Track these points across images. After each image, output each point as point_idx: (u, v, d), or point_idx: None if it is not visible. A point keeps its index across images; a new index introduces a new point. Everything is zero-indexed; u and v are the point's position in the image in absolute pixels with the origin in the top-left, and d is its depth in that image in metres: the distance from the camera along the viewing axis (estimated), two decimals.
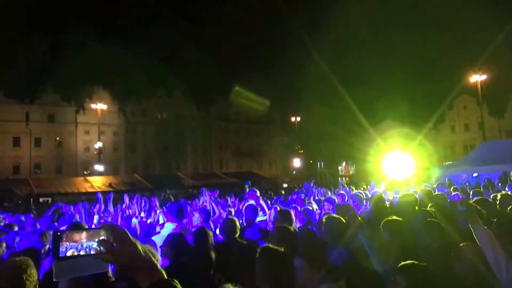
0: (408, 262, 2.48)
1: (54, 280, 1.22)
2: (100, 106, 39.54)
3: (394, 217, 3.81)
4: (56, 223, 6.75)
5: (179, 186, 28.73)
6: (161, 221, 5.95)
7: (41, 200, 22.30)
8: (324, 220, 3.63)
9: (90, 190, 26.25)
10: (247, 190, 9.87)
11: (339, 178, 43.32)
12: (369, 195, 8.31)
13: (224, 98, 58.21)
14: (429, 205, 4.91)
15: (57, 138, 49.49)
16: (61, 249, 1.21)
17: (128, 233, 1.26)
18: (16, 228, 5.98)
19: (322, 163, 63.72)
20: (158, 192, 18.10)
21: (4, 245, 4.45)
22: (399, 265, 2.50)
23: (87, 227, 3.63)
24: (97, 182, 29.85)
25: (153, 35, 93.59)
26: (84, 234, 1.25)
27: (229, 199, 9.45)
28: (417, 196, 5.50)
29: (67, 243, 1.22)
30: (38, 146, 48.13)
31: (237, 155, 60.52)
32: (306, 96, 61.34)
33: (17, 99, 47.06)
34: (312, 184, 11.15)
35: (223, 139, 60.05)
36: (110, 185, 28.00)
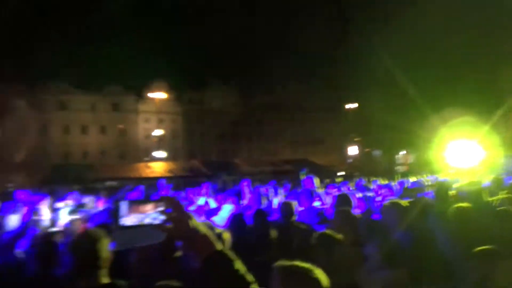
0: (485, 247, 2.34)
1: (116, 248, 1.30)
2: (159, 96, 41.17)
3: (462, 204, 3.62)
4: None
5: (235, 172, 29.22)
6: (212, 206, 6.10)
7: (107, 183, 23.69)
8: (388, 204, 3.52)
9: (151, 175, 27.47)
10: (303, 177, 9.82)
11: (397, 167, 41.83)
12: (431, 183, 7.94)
13: (280, 86, 58.17)
14: (499, 194, 4.61)
15: (120, 126, 52.33)
16: (123, 219, 1.27)
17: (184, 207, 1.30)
18: (88, 207, 6.47)
19: (380, 152, 61.84)
20: (215, 179, 18.56)
21: (79, 222, 4.84)
22: (476, 250, 2.36)
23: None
24: (158, 168, 31.16)
25: (209, 25, 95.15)
26: (146, 206, 1.31)
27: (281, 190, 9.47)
28: (484, 185, 5.18)
29: (131, 214, 1.28)
30: (103, 133, 51.28)
31: (291, 143, 60.44)
32: (364, 82, 59.56)
33: (84, 90, 50.27)
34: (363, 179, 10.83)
35: (278, 126, 60.15)
36: (170, 171, 29.10)
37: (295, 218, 3.92)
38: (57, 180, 20.98)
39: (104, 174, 27.08)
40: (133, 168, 31.69)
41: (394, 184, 7.64)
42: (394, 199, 4.04)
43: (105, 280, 2.14)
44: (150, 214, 1.30)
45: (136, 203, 1.31)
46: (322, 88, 55.88)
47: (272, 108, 59.83)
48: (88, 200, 7.93)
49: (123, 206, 1.28)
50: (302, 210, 4.83)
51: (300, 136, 61.09)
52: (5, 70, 45.62)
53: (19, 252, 4.04)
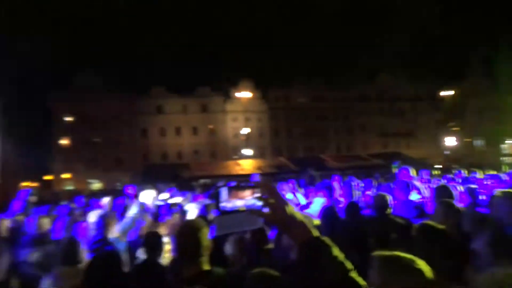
0: None
1: (215, 234, 1.36)
2: (245, 95, 42.30)
3: None
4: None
5: (323, 168, 28.89)
6: (303, 202, 6.09)
7: (201, 181, 25.08)
8: (499, 194, 3.19)
9: (241, 172, 28.43)
10: (394, 170, 9.36)
11: (504, 158, 37.73)
12: None
13: (366, 77, 56.15)
14: None
15: (210, 126, 54.88)
16: (223, 204, 1.33)
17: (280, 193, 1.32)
18: (184, 203, 6.91)
19: (482, 141, 56.40)
20: (303, 174, 18.54)
21: (177, 215, 5.23)
22: None
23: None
24: (246, 165, 32.12)
25: (293, 23, 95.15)
26: (244, 192, 1.35)
27: (374, 181, 9.13)
28: None
29: (230, 199, 1.34)
30: (195, 134, 54.29)
31: (381, 136, 57.91)
32: (460, 67, 54.73)
33: (176, 93, 53.71)
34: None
35: (366, 119, 58.05)
36: (258, 168, 29.80)
37: (390, 211, 3.75)
38: (157, 178, 22.77)
39: (198, 172, 28.79)
40: (224, 166, 33.17)
41: (503, 175, 6.89)
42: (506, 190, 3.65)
43: (206, 267, 2.26)
44: (249, 199, 1.34)
45: (235, 189, 1.36)
46: (413, 75, 52.56)
47: (359, 101, 57.95)
48: (185, 196, 8.50)
49: (224, 191, 1.34)
50: (397, 203, 4.60)
51: (390, 128, 58.26)
52: (110, 78, 50.62)
53: (129, 241, 4.46)
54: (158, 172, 27.98)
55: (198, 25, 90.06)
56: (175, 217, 5.16)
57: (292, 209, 1.29)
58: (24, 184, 41.72)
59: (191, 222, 2.29)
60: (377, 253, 1.60)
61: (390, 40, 53.00)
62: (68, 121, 50.39)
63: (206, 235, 2.24)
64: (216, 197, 1.34)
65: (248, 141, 41.93)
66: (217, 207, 1.34)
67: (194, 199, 7.47)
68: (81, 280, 2.95)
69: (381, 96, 57.74)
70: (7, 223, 4.82)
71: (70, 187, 43.72)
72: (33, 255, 3.89)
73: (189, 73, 75.44)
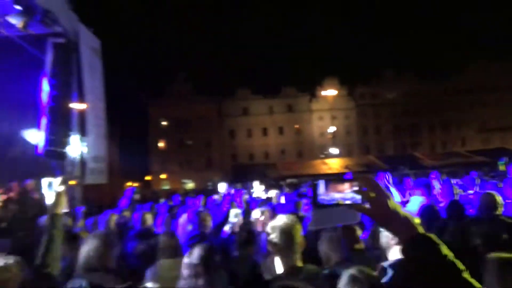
0: None
1: (310, 228, 1.32)
2: (330, 93, 41.58)
3: None
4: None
5: (416, 166, 27.22)
6: (398, 200, 5.77)
7: (288, 181, 25.25)
8: None
9: (328, 171, 28.01)
10: (502, 167, 8.44)
11: None
12: None
13: (457, 69, 51.69)
14: None
15: (296, 126, 54.94)
16: (320, 197, 1.28)
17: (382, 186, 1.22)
18: (273, 201, 7.02)
19: None
20: (394, 173, 17.65)
21: (268, 212, 5.31)
22: None
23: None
24: (334, 164, 31.56)
25: (374, 15, 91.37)
26: (343, 185, 1.28)
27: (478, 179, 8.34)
28: None
29: (328, 193, 1.28)
30: (281, 134, 54.78)
31: (481, 131, 52.78)
32: None
33: (262, 94, 54.72)
34: None
35: (463, 113, 53.39)
36: (346, 167, 29.08)
37: (501, 211, 3.38)
38: (245, 178, 23.42)
39: (285, 172, 29.05)
40: (310, 165, 32.99)
41: None
42: None
43: (299, 264, 2.25)
44: (347, 193, 1.28)
45: (333, 182, 1.31)
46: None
47: (454, 93, 53.48)
48: (273, 194, 8.61)
49: (321, 184, 1.29)
50: (509, 203, 4.13)
51: (491, 122, 52.80)
52: (199, 83, 53.34)
53: (223, 238, 4.63)
54: (246, 172, 28.76)
55: (281, 26, 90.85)
56: (266, 214, 5.24)
57: (395, 203, 1.19)
58: (128, 184, 45.84)
59: (284, 218, 2.29)
60: (493, 255, 1.43)
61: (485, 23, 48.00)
62: (164, 125, 54.16)
63: (299, 232, 2.23)
64: (313, 191, 1.29)
65: (334, 139, 41.14)
66: (314, 200, 1.29)
67: (281, 198, 7.53)
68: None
69: (480, 86, 52.56)
70: (115, 218, 5.29)
71: (166, 186, 46.96)
72: (138, 248, 4.20)
73: (274, 74, 76.50)
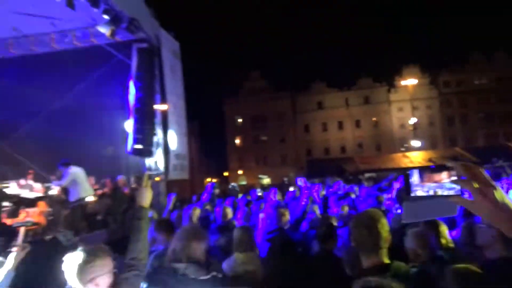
0: None
1: (403, 221, 1.21)
2: (410, 82, 39.35)
3: None
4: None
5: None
6: None
7: (366, 175, 24.41)
8: None
9: (410, 165, 26.55)
10: None
11: None
12: None
13: None
14: None
15: (373, 118, 52.91)
16: (414, 188, 1.16)
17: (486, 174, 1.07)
18: (353, 196, 6.83)
19: None
20: (487, 166, 16.21)
21: (347, 207, 5.19)
22: None
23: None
24: (416, 158, 29.85)
25: None
26: (440, 174, 1.15)
27: None
28: None
29: (423, 183, 1.16)
30: (358, 127, 53.15)
31: None
32: None
33: (337, 87, 53.55)
34: None
35: None
36: (429, 160, 27.36)
37: None
38: (321, 173, 23.12)
39: (363, 166, 28.10)
40: (390, 158, 31.50)
41: None
42: None
43: (386, 260, 2.14)
44: (445, 183, 1.14)
45: (428, 171, 1.18)
46: None
47: None
48: (353, 189, 8.39)
49: (415, 174, 1.18)
50: None
51: None
52: (273, 79, 53.76)
53: (301, 233, 4.60)
54: (322, 167, 28.40)
55: (353, 14, 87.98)
56: (345, 209, 5.12)
57: (502, 194, 1.03)
58: (207, 180, 47.77)
59: (369, 212, 2.20)
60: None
61: None
62: (239, 122, 55.46)
63: (385, 226, 2.12)
64: (405, 181, 1.18)
65: (416, 131, 38.87)
66: (407, 191, 1.18)
67: (362, 192, 7.30)
68: (257, 265, 3.17)
69: None
70: (198, 212, 5.51)
71: (243, 182, 48.05)
72: (219, 241, 4.34)
73: (349, 65, 74.36)
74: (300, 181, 5.49)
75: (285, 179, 32.50)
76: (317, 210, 5.44)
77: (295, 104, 54.39)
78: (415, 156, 31.01)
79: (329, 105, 53.29)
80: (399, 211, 4.43)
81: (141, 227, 2.25)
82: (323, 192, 7.23)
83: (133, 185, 10.32)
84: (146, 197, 2.33)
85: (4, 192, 7.09)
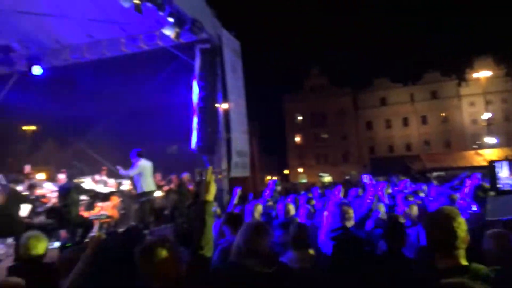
0: None
1: (486, 218, 1.11)
2: (483, 74, 36.70)
3: None
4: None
5: None
6: None
7: (434, 174, 23.18)
8: None
9: (483, 163, 24.77)
10: None
11: None
12: None
13: None
14: None
15: (442, 114, 50.01)
16: (501, 182, 1.07)
17: None
18: (422, 194, 6.50)
19: None
20: None
21: (415, 206, 4.95)
22: None
23: None
24: (490, 155, 27.80)
25: None
26: None
27: None
28: None
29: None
30: (424, 123, 50.54)
31: None
32: None
33: (401, 82, 51.32)
34: None
35: None
36: (506, 158, 25.33)
37: None
38: (385, 171, 22.31)
39: (431, 164, 26.73)
40: (461, 156, 29.65)
41: None
42: None
43: (464, 261, 2.00)
44: None
45: None
46: None
47: None
48: (421, 188, 8.00)
49: (504, 166, 1.09)
50: None
51: None
52: (334, 76, 52.82)
53: (367, 232, 4.46)
54: (386, 165, 27.43)
55: (417, 4, 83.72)
56: (413, 208, 4.88)
57: None
58: (268, 178, 48.10)
59: (444, 210, 2.06)
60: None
61: None
62: (299, 120, 55.16)
63: (462, 225, 1.98)
64: (491, 174, 1.09)
65: (490, 127, 36.13)
66: (493, 186, 1.09)
67: (432, 191, 6.93)
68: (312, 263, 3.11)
69: None
70: (260, 208, 5.55)
71: (303, 180, 47.75)
72: (282, 237, 4.33)
73: (414, 59, 71.01)
74: (366, 178, 5.32)
75: (347, 177, 31.81)
76: (382, 209, 5.24)
77: (356, 100, 52.99)
78: (490, 153, 28.92)
79: (393, 101, 51.23)
80: (474, 208, 4.13)
81: (205, 220, 2.29)
82: (389, 191, 6.96)
83: (197, 180, 10.65)
84: (210, 191, 2.37)
85: (82, 187, 7.63)
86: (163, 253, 2.09)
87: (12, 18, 9.38)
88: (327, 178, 48.30)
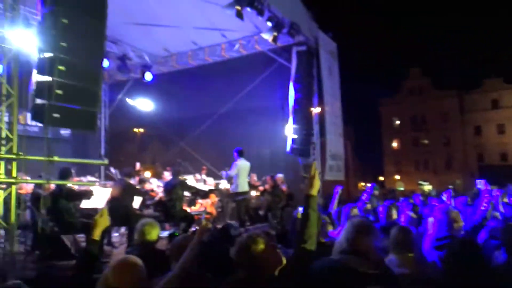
0: None
1: None
2: None
3: None
4: None
5: None
6: None
7: None
8: None
9: None
10: None
11: None
12: None
13: None
14: None
15: None
16: None
17: None
18: None
19: None
20: None
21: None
22: None
23: None
24: None
25: None
26: None
27: None
28: None
29: None
30: None
31: None
32: None
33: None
34: None
35: None
36: None
37: None
38: (496, 180, 20.12)
39: None
40: None
41: None
42: None
43: None
44: None
45: None
46: None
47: None
48: None
49: None
50: None
51: None
52: (437, 77, 49.26)
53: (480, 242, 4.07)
54: (499, 174, 24.65)
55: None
56: None
57: None
58: (361, 184, 46.52)
59: None
60: None
61: None
62: (397, 124, 52.40)
63: None
64: None
65: None
66: None
67: None
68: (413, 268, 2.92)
69: None
70: (356, 211, 5.40)
71: (401, 187, 45.20)
72: (383, 241, 4.16)
73: None
74: (480, 184, 4.85)
75: (450, 186, 29.41)
76: (498, 218, 4.75)
77: (462, 103, 48.57)
78: None
79: (506, 104, 45.93)
80: None
81: (309, 214, 2.30)
82: (505, 199, 6.27)
83: (303, 174, 10.69)
84: (314, 186, 2.38)
85: (186, 183, 8.17)
86: (261, 245, 2.16)
87: (129, 30, 10.46)
88: (428, 187, 45.14)
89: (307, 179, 2.44)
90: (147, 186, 9.07)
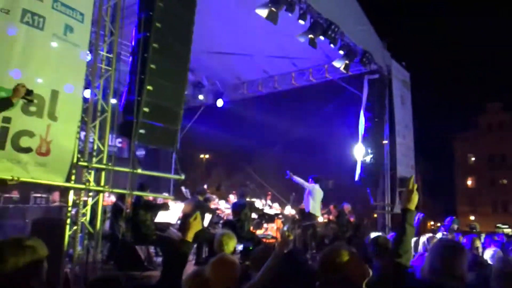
0: None
1: None
2: None
3: None
4: None
5: None
6: None
7: None
8: None
9: None
10: None
11: None
12: None
13: None
14: None
15: None
16: None
17: None
18: None
19: None
20: None
21: None
22: None
23: None
24: None
25: None
26: None
27: None
28: None
29: None
30: None
31: None
32: None
33: None
34: None
35: None
36: None
37: None
38: None
39: None
40: None
41: None
42: None
43: None
44: None
45: None
46: None
47: None
48: None
49: None
50: None
51: None
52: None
53: None
54: None
55: None
56: None
57: None
58: (430, 223, 43.61)
59: None
60: None
61: None
62: (472, 161, 49.05)
63: None
64: None
65: None
66: None
67: None
68: None
69: None
70: (435, 241, 5.09)
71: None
72: (469, 276, 3.88)
73: None
74: None
75: None
76: None
77: None
78: None
79: None
80: None
81: (405, 228, 2.24)
82: None
83: (399, 190, 10.44)
84: (412, 200, 2.32)
85: (254, 205, 8.26)
86: (345, 257, 2.13)
87: (204, 59, 11.02)
88: (507, 230, 41.18)
89: (404, 193, 2.40)
90: (213, 206, 9.26)
